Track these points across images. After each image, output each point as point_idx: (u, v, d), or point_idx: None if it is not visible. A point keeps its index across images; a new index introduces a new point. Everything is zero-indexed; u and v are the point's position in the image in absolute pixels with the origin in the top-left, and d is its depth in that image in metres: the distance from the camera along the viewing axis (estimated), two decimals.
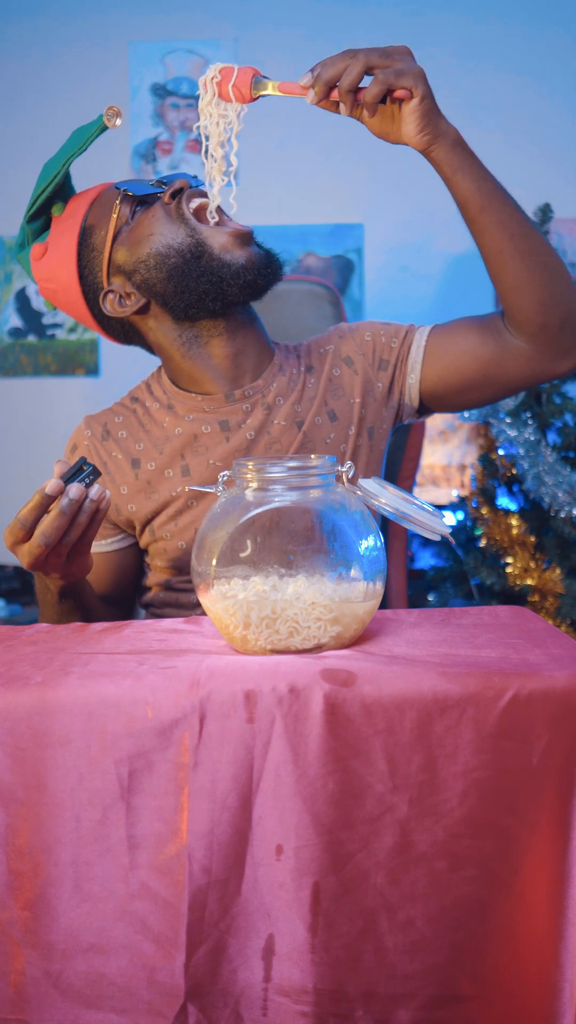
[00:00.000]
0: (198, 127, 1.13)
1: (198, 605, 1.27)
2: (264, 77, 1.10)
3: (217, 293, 1.19)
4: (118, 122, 1.17)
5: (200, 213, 1.21)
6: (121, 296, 1.25)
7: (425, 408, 1.32)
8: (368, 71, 1.01)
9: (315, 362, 1.31)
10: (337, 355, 1.31)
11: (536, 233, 1.16)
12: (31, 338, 3.10)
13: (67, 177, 1.30)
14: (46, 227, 1.30)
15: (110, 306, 1.26)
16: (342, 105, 1.05)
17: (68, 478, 0.99)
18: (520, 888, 0.76)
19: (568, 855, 0.76)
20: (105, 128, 1.18)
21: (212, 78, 1.10)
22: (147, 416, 1.29)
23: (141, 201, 1.24)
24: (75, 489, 0.98)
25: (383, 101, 1.04)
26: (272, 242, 1.28)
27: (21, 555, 1.02)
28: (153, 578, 1.31)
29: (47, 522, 0.98)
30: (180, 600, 1.29)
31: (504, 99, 2.98)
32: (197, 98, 1.15)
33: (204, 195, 1.22)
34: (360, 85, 1.02)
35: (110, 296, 1.26)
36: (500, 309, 1.23)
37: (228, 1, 3.02)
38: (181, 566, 1.27)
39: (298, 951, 0.74)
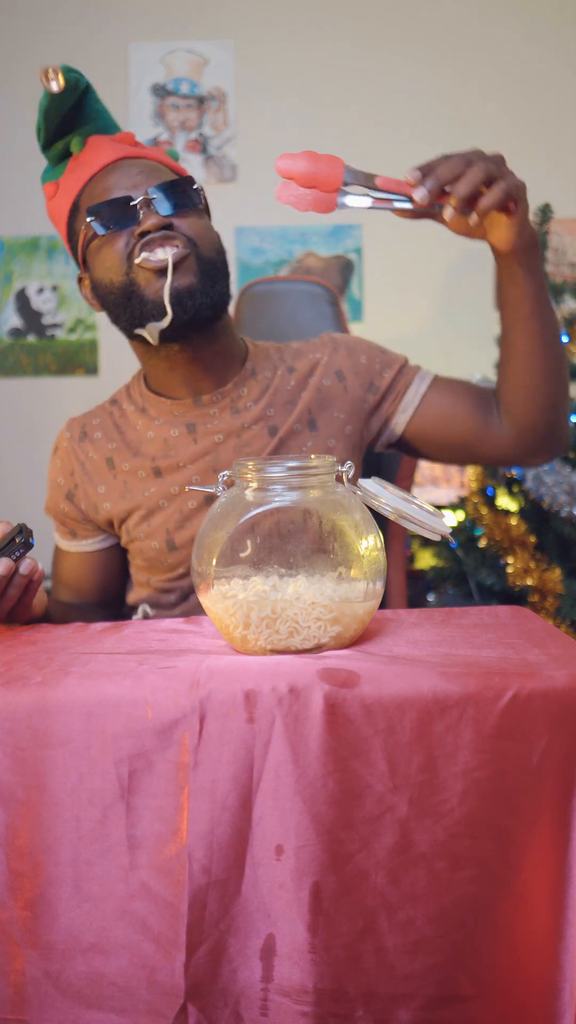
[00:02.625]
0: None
1: (177, 604, 1.28)
2: (351, 174, 1.01)
3: (145, 332, 1.19)
4: (54, 87, 1.12)
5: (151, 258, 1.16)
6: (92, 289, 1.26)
7: (398, 444, 1.33)
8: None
9: (299, 366, 1.30)
10: (329, 366, 1.30)
11: (560, 343, 1.21)
12: (31, 338, 3.10)
13: (83, 103, 1.22)
14: (67, 154, 1.25)
15: (85, 293, 1.28)
16: (448, 209, 1.01)
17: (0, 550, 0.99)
18: (520, 888, 0.76)
19: (568, 855, 0.76)
20: (53, 94, 1.14)
21: (289, 196, 1.02)
22: (123, 418, 1.30)
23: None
24: (2, 565, 0.98)
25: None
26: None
27: None
28: (136, 577, 1.33)
29: None
30: (161, 600, 1.30)
31: (504, 99, 2.98)
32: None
33: (170, 241, 1.15)
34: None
35: (84, 283, 1.27)
36: (494, 389, 1.27)
37: (228, 2, 3.02)
38: (157, 565, 1.27)
39: (298, 951, 0.74)
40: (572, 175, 2.96)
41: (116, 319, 1.22)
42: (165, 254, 1.15)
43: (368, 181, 1.01)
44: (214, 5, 3.03)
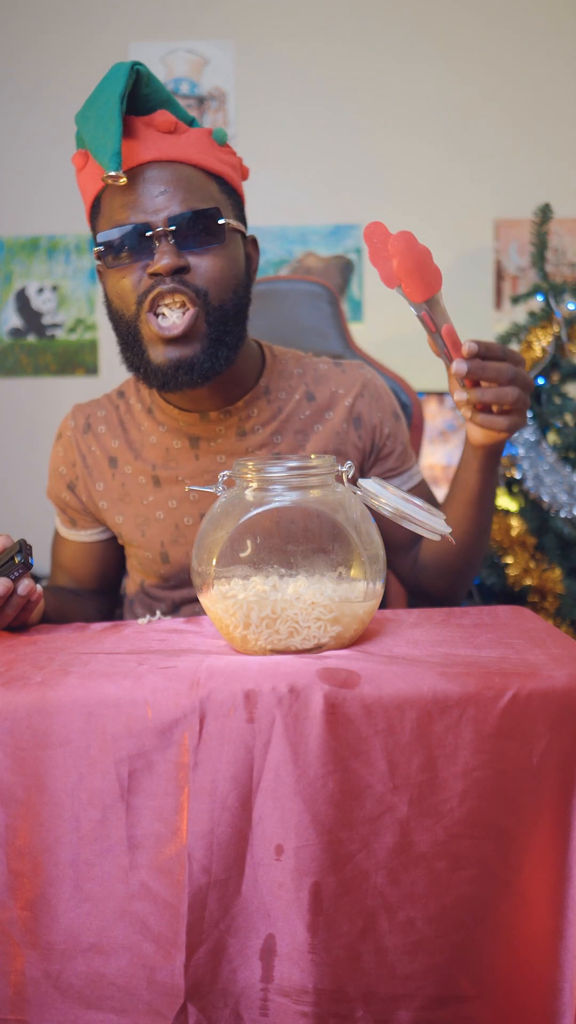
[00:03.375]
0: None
1: (167, 614, 1.28)
2: (432, 304, 1.01)
3: (145, 379, 1.16)
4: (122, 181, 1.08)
5: (157, 300, 1.11)
6: None
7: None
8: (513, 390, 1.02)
9: (320, 395, 1.27)
10: (352, 411, 1.27)
11: (487, 541, 1.27)
12: (31, 338, 3.10)
13: (136, 92, 1.12)
14: None
15: (101, 281, 1.19)
16: (468, 411, 1.03)
17: None
18: (520, 888, 0.76)
19: (568, 855, 0.76)
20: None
21: (378, 254, 1.00)
22: (128, 415, 1.28)
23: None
24: (1, 585, 0.97)
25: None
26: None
27: None
28: (132, 574, 1.33)
29: None
30: (153, 607, 1.30)
31: (504, 99, 2.98)
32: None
33: (176, 292, 1.09)
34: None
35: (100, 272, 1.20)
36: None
37: (228, 2, 3.02)
38: (150, 572, 1.28)
39: (298, 951, 0.74)
40: (572, 175, 2.96)
41: (120, 346, 1.17)
42: (172, 318, 1.10)
43: (435, 316, 1.01)
44: (214, 5, 3.03)
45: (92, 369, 3.10)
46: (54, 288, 3.09)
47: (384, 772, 0.75)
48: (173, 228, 1.09)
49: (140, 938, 0.76)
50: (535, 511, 2.14)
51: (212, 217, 1.11)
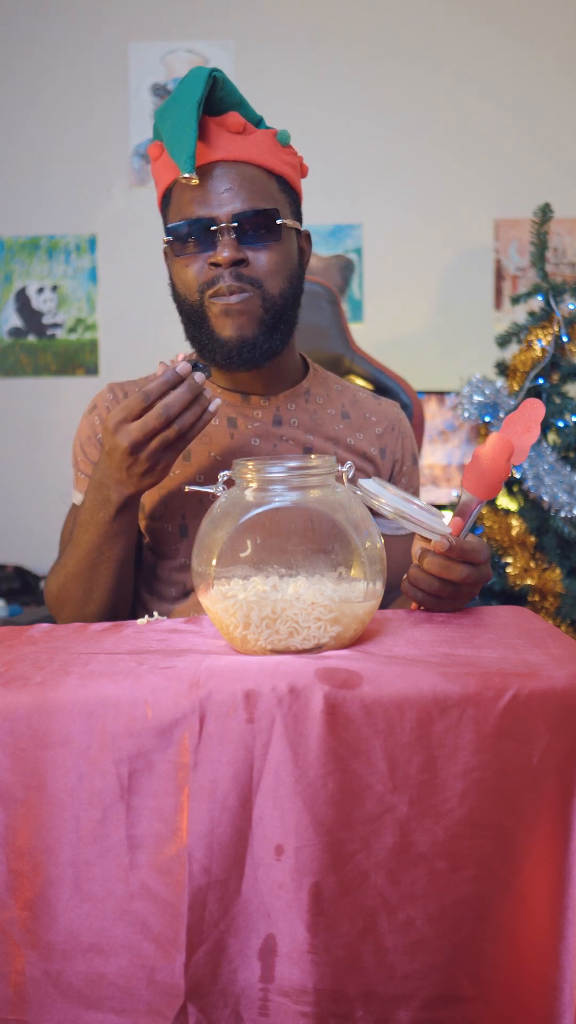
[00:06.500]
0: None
1: (177, 599, 1.27)
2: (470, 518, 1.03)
3: (209, 356, 1.24)
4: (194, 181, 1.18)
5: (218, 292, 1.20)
6: None
7: None
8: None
9: (354, 415, 1.35)
10: (380, 441, 1.36)
11: None
12: (31, 338, 3.10)
13: (212, 96, 1.21)
14: None
15: (167, 264, 1.28)
16: (421, 592, 1.03)
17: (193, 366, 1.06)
18: (520, 888, 0.76)
19: (568, 855, 0.76)
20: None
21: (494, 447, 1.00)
22: None
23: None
24: (200, 375, 1.06)
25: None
26: None
27: (126, 433, 1.06)
28: (146, 553, 1.32)
29: (173, 395, 1.06)
30: (163, 591, 1.29)
31: (504, 99, 2.98)
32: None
33: (235, 285, 1.19)
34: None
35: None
36: None
37: (228, 2, 3.03)
38: (165, 550, 1.27)
39: (298, 951, 0.74)
40: (572, 175, 2.96)
41: (184, 324, 1.26)
42: (232, 299, 1.20)
43: (465, 510, 1.02)
44: (214, 5, 3.03)
45: (92, 369, 3.10)
46: (54, 288, 3.09)
47: (384, 772, 0.75)
48: (235, 224, 1.19)
49: (140, 938, 0.76)
50: (535, 511, 2.14)
51: (271, 216, 1.21)
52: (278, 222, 1.21)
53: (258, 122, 1.26)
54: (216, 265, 1.19)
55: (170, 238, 1.22)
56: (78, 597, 1.22)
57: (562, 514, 2.08)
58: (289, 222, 1.24)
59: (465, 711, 0.75)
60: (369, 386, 1.98)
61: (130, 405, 1.06)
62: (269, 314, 1.21)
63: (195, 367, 1.07)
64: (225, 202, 1.19)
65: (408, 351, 2.93)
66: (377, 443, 1.35)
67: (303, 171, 1.30)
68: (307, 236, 1.31)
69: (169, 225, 1.23)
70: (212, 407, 1.09)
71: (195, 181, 1.17)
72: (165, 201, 1.26)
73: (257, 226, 1.20)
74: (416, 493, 1.37)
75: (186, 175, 1.15)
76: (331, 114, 2.98)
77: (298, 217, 1.29)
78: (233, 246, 1.18)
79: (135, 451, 1.07)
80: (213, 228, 1.19)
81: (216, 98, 1.20)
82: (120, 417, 1.07)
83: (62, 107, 3.06)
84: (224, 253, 1.18)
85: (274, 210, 1.21)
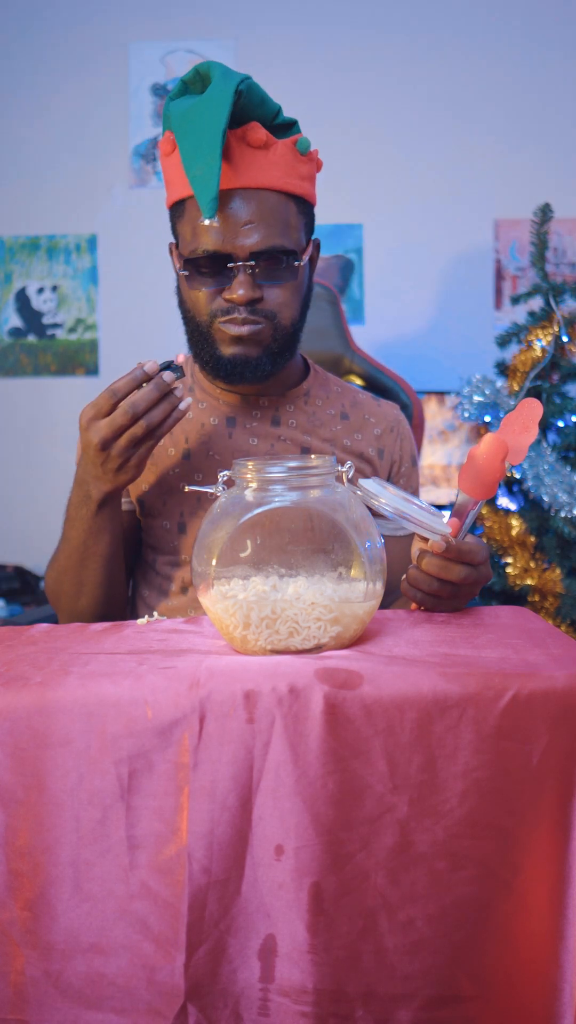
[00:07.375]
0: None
1: (178, 594, 1.27)
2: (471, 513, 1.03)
3: (211, 371, 1.24)
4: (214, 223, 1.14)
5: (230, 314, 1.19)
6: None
7: None
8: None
9: (354, 417, 1.35)
10: (379, 442, 1.35)
11: None
12: (31, 338, 3.10)
13: (237, 105, 1.15)
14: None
15: (176, 274, 1.26)
16: (420, 592, 1.03)
17: (162, 367, 1.07)
18: (520, 888, 0.76)
19: (568, 855, 0.76)
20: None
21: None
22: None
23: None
24: (169, 375, 1.06)
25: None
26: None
27: (96, 431, 1.07)
28: (144, 555, 1.32)
29: (139, 394, 1.06)
30: (163, 586, 1.29)
31: (504, 99, 2.98)
32: None
33: (247, 322, 1.18)
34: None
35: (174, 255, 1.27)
36: None
37: (228, 1, 3.02)
38: (164, 546, 1.28)
39: (298, 951, 0.74)
40: (572, 175, 2.96)
41: (188, 337, 1.26)
42: (242, 330, 1.19)
43: (461, 511, 1.02)
44: (214, 5, 3.03)
45: (92, 369, 3.10)
46: (54, 288, 3.09)
47: (384, 772, 0.75)
48: (252, 263, 1.17)
49: (140, 938, 0.76)
50: (535, 511, 2.14)
51: (290, 257, 1.19)
52: (295, 264, 1.19)
53: (276, 115, 1.20)
54: (230, 300, 1.18)
55: (185, 272, 1.20)
56: (70, 591, 1.23)
57: (562, 514, 2.08)
58: (303, 261, 1.22)
59: (465, 711, 0.75)
60: (368, 385, 1.98)
61: (99, 403, 1.07)
62: (278, 342, 1.21)
63: (166, 367, 1.07)
64: (244, 236, 1.16)
65: (408, 351, 2.93)
66: (375, 444, 1.35)
67: (318, 166, 1.26)
68: (316, 244, 1.29)
69: (186, 258, 1.19)
70: (183, 405, 1.08)
71: (216, 224, 1.14)
72: (178, 210, 1.22)
73: (275, 263, 1.18)
74: (415, 495, 1.37)
75: (207, 222, 1.11)
76: (332, 114, 2.98)
77: (311, 230, 1.26)
78: (250, 285, 1.16)
79: (105, 447, 1.08)
80: (230, 265, 1.16)
81: (239, 106, 1.14)
82: (91, 414, 1.07)
83: (62, 107, 3.06)
84: (240, 291, 1.16)
85: (293, 252, 1.19)
